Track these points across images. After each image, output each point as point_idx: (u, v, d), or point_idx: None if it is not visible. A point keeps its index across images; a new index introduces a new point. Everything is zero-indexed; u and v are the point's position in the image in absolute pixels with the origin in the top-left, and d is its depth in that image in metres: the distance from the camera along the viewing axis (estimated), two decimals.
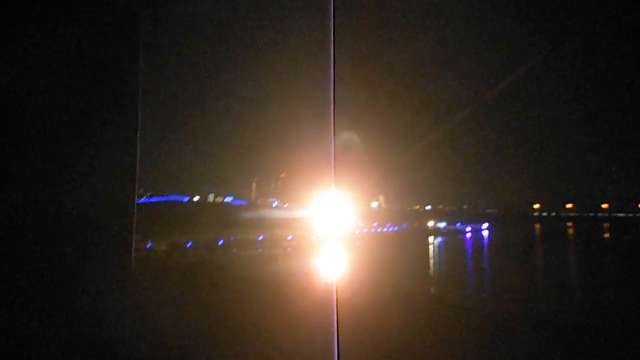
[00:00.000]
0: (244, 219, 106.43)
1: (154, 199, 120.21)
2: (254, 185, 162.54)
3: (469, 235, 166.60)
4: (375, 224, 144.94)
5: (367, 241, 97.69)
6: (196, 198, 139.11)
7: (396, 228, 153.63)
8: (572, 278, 68.19)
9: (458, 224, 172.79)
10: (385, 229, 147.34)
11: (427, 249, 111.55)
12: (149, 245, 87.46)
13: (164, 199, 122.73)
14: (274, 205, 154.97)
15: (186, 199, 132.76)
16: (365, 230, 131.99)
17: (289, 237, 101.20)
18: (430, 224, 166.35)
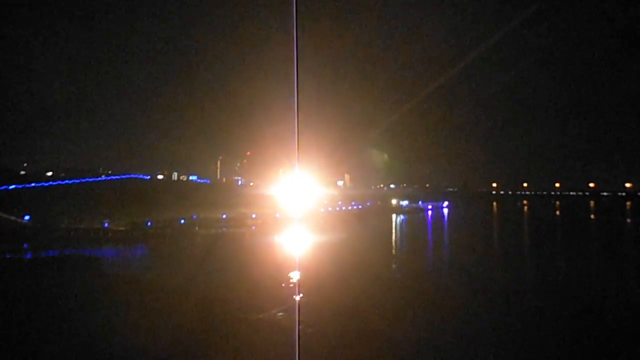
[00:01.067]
0: (208, 198, 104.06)
1: (112, 177, 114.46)
2: (218, 163, 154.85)
3: (430, 212, 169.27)
4: (340, 203, 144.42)
5: (331, 220, 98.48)
6: (160, 177, 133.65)
7: (360, 206, 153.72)
8: (522, 251, 71.67)
9: (420, 202, 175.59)
10: (350, 207, 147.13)
11: (390, 225, 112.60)
12: (106, 224, 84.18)
13: (123, 177, 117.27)
14: (239, 183, 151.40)
15: (148, 177, 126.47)
16: (329, 209, 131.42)
17: (254, 216, 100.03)
18: (394, 202, 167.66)
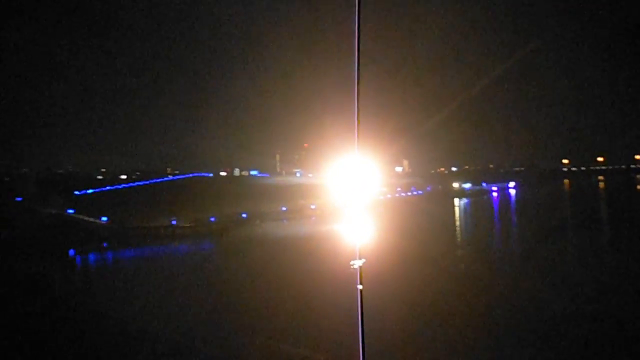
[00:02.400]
0: (268, 191, 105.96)
1: (178, 177, 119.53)
2: (277, 157, 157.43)
3: (495, 195, 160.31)
4: (399, 189, 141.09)
5: (390, 207, 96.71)
6: (222, 173, 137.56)
7: (420, 192, 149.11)
8: (604, 240, 63.87)
9: (484, 184, 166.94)
10: (409, 193, 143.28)
11: (453, 211, 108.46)
12: (173, 222, 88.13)
13: (188, 175, 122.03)
14: (297, 175, 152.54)
15: (211, 174, 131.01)
16: (389, 196, 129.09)
17: (313, 207, 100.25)
18: (456, 185, 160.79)
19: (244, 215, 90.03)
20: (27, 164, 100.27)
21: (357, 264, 7.97)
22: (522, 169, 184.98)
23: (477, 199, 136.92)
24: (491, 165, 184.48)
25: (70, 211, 79.75)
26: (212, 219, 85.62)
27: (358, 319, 7.54)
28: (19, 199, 78.97)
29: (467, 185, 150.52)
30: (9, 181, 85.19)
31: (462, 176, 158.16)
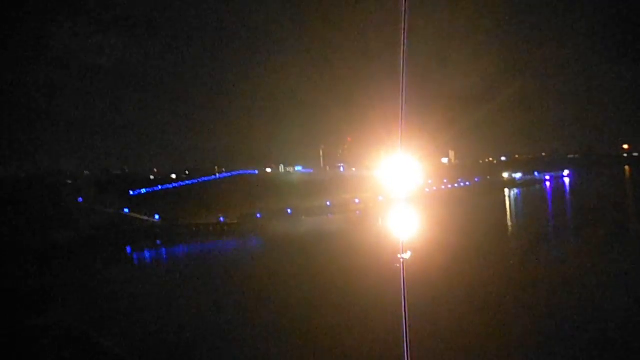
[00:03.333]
0: (312, 186, 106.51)
1: (225, 175, 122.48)
2: (321, 152, 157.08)
3: (548, 184, 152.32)
4: (445, 181, 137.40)
5: (436, 199, 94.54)
6: (268, 170, 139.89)
7: (468, 183, 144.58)
8: None
9: (536, 173, 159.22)
10: (456, 185, 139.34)
11: (502, 202, 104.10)
12: (221, 218, 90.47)
13: (234, 173, 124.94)
14: (341, 170, 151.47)
15: (256, 172, 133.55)
16: (434, 188, 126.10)
17: (357, 201, 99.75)
18: (506, 175, 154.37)
19: (289, 211, 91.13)
20: (88, 167, 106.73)
21: (403, 257, 7.84)
22: (578, 156, 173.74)
23: (529, 189, 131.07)
24: (544, 153, 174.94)
25: (126, 210, 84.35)
26: (258, 215, 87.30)
27: (402, 313, 7.43)
28: (80, 199, 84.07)
29: (518, 175, 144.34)
30: (72, 184, 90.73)
31: (512, 166, 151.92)
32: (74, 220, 76.63)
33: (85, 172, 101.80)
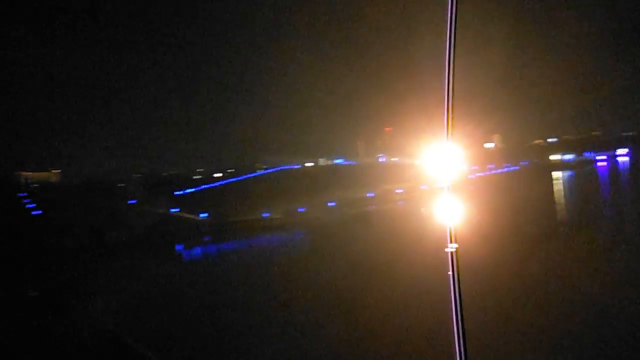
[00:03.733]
0: (353, 178, 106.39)
1: (267, 171, 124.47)
2: (360, 144, 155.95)
3: (604, 164, 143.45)
4: (490, 166, 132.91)
5: (482, 185, 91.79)
6: (308, 164, 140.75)
7: (515, 167, 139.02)
8: None
9: (589, 154, 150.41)
10: (502, 170, 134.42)
11: (551, 186, 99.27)
12: (265, 214, 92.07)
13: (276, 169, 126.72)
14: (381, 160, 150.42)
15: (298, 166, 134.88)
16: (480, 174, 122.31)
17: (399, 191, 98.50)
18: (555, 157, 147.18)
19: (331, 204, 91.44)
20: (138, 170, 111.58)
21: (449, 249, 7.63)
22: (635, 133, 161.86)
23: (580, 170, 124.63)
24: (596, 133, 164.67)
25: (174, 210, 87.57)
26: (301, 210, 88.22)
27: (452, 307, 7.25)
28: (132, 201, 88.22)
29: (569, 157, 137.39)
30: (124, 187, 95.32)
31: (562, 147, 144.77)
32: (128, 222, 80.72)
33: (135, 175, 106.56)
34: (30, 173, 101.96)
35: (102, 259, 64.06)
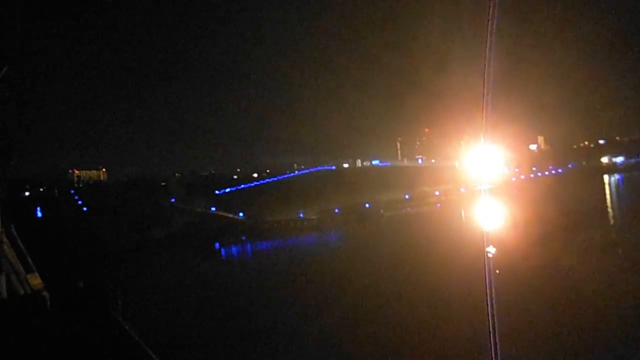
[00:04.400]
0: (390, 180, 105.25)
1: (303, 171, 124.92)
2: (398, 145, 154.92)
3: None
4: (534, 168, 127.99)
5: (524, 189, 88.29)
6: (345, 165, 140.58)
7: (560, 170, 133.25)
8: None
9: None
10: (546, 173, 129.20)
11: (602, 190, 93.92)
12: (301, 214, 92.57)
13: (312, 170, 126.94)
14: (419, 162, 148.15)
15: (333, 167, 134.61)
16: (522, 177, 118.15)
17: (437, 193, 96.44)
18: (604, 160, 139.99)
19: (367, 205, 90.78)
20: (178, 169, 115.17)
21: (488, 253, 7.33)
22: None
23: (633, 174, 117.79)
24: None
25: (213, 209, 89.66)
26: (336, 211, 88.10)
27: (487, 310, 6.98)
28: (173, 200, 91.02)
29: (619, 159, 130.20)
30: (165, 185, 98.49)
31: (612, 149, 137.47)
32: (168, 219, 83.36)
33: (176, 174, 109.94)
34: (81, 171, 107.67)
35: (143, 254, 66.48)
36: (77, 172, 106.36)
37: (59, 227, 69.26)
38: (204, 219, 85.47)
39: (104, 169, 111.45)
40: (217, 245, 79.23)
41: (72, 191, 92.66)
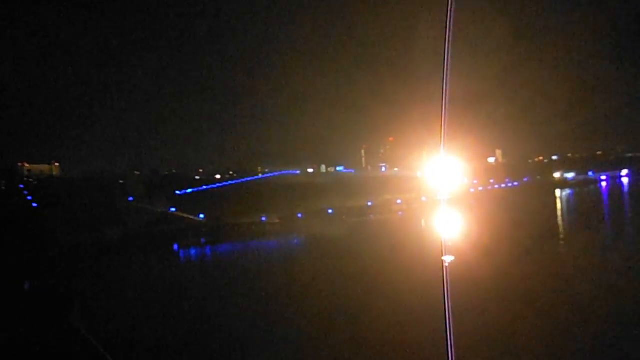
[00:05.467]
0: (353, 187, 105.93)
1: (267, 175, 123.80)
2: (362, 152, 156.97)
3: (604, 184, 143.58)
4: (492, 181, 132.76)
5: (482, 200, 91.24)
6: (310, 170, 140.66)
7: (516, 183, 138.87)
8: None
9: (591, 173, 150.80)
10: (503, 185, 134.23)
11: (553, 204, 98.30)
12: (263, 218, 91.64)
13: (276, 174, 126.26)
14: (383, 170, 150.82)
15: (298, 172, 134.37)
16: (480, 189, 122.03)
17: (399, 201, 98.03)
18: (557, 175, 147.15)
19: (330, 211, 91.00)
20: (138, 168, 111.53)
21: (446, 261, 7.44)
22: (638, 154, 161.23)
23: (582, 189, 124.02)
24: (599, 152, 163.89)
25: (173, 209, 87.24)
26: (300, 215, 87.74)
27: (445, 316, 7.09)
28: (131, 199, 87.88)
29: (570, 175, 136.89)
30: (123, 184, 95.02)
31: (564, 165, 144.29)
32: (124, 218, 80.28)
33: (136, 172, 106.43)
34: (31, 165, 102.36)
35: (98, 255, 63.76)
36: (27, 165, 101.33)
37: (3, 223, 65.45)
38: (163, 219, 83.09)
39: (56, 164, 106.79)
40: (175, 247, 77.13)
41: (22, 185, 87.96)
